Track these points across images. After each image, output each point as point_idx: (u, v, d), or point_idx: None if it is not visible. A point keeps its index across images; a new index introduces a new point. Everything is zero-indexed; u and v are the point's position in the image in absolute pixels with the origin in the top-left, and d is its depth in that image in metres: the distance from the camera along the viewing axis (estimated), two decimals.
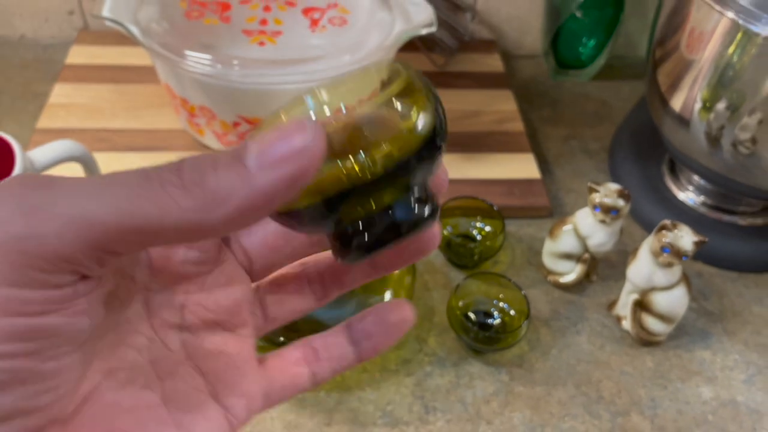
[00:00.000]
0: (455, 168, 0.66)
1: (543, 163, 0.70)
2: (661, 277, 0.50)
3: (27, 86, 0.73)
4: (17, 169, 0.46)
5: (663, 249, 0.49)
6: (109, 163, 0.60)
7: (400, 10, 0.63)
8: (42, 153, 0.48)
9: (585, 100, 0.80)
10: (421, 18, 0.62)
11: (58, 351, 0.17)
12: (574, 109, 0.78)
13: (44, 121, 0.66)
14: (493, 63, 0.81)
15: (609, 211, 0.52)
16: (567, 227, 0.56)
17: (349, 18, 0.61)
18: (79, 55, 0.74)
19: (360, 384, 0.50)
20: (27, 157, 0.47)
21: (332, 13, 0.61)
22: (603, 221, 0.53)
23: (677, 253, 0.49)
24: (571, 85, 0.82)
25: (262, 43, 0.58)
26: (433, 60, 0.79)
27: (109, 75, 0.72)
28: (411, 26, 0.61)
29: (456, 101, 0.74)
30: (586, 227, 0.55)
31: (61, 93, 0.69)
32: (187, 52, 0.55)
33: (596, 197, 0.53)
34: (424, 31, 0.61)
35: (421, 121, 0.20)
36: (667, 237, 0.49)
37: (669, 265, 0.49)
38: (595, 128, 0.76)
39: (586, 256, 0.56)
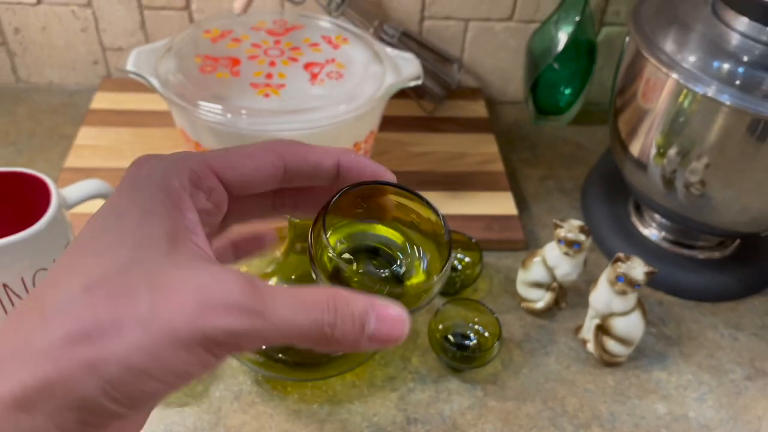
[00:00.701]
0: (441, 205, 0.72)
1: (521, 201, 0.77)
2: (618, 303, 0.57)
3: (55, 129, 0.81)
4: (53, 205, 0.53)
5: (618, 278, 0.55)
6: None
7: (390, 64, 0.70)
8: (74, 191, 0.56)
9: (563, 143, 0.87)
10: (410, 72, 0.70)
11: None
12: (552, 152, 0.86)
13: (71, 161, 0.74)
14: (478, 109, 0.88)
15: (572, 245, 0.59)
16: (537, 258, 0.62)
17: (345, 72, 0.69)
18: (102, 100, 0.82)
19: (349, 398, 0.56)
20: (60, 194, 0.54)
21: (330, 67, 0.69)
22: (567, 254, 0.59)
23: (630, 282, 0.55)
24: (550, 130, 0.89)
25: (267, 95, 0.65)
26: (423, 106, 0.87)
27: (129, 119, 0.80)
28: (400, 79, 0.68)
29: (443, 144, 0.82)
30: (553, 259, 0.61)
31: (86, 135, 0.77)
32: (201, 102, 0.63)
33: (561, 232, 0.59)
34: (412, 84, 0.69)
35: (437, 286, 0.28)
36: (621, 268, 0.55)
37: (623, 293, 0.56)
38: (570, 169, 0.83)
39: (555, 284, 0.63)
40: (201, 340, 0.19)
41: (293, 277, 0.55)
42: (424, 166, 0.78)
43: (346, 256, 0.28)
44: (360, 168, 0.26)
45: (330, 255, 0.25)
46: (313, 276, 0.26)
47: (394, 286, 0.28)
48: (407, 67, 0.70)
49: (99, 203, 0.58)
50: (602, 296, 0.57)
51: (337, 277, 0.25)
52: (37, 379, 0.18)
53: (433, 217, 0.29)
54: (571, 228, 0.59)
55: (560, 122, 0.90)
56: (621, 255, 0.56)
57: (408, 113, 0.85)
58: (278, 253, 0.55)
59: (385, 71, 0.70)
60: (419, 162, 0.79)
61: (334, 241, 0.27)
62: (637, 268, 0.55)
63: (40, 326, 0.19)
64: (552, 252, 0.61)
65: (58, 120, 0.82)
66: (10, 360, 0.19)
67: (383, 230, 0.30)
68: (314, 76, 0.68)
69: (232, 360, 0.58)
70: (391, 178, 0.28)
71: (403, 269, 0.29)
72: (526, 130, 0.89)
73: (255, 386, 0.57)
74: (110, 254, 0.21)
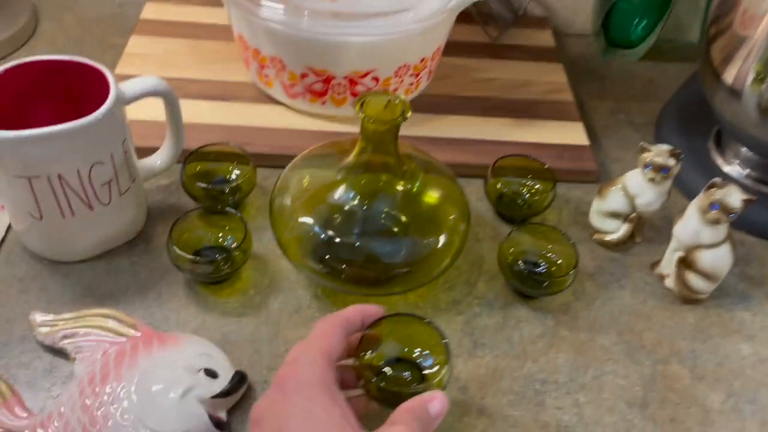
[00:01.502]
0: (506, 132, 0.69)
1: (590, 134, 0.72)
2: (708, 234, 0.53)
3: (104, 38, 0.77)
4: (111, 97, 0.49)
5: (711, 206, 0.51)
6: (182, 108, 0.64)
7: None
8: (131, 86, 0.52)
9: (632, 78, 0.82)
10: None
11: None
12: (622, 86, 0.80)
13: (122, 68, 0.70)
14: (545, 38, 0.83)
15: (660, 170, 0.55)
16: (616, 186, 0.58)
17: None
18: (152, 11, 0.79)
19: None
20: (119, 87, 0.51)
21: None
22: (653, 180, 0.55)
23: (725, 210, 0.51)
24: (619, 64, 0.84)
25: None
26: (488, 32, 0.82)
27: (181, 30, 0.76)
28: None
29: (508, 71, 0.77)
30: (635, 186, 0.57)
31: (137, 44, 0.74)
32: (262, 1, 0.59)
33: (648, 156, 0.55)
34: None
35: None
36: (716, 194, 0.51)
37: (716, 222, 0.52)
38: (642, 104, 0.78)
39: (633, 215, 0.58)
40: None
41: (362, 183, 0.51)
42: (488, 92, 0.74)
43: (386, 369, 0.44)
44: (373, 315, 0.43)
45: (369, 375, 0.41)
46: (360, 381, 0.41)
47: (419, 380, 0.44)
48: None
49: (155, 103, 0.55)
50: (690, 226, 0.53)
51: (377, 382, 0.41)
52: None
53: (426, 328, 0.44)
54: (660, 152, 0.55)
55: (631, 57, 0.84)
56: (717, 180, 0.52)
57: (472, 39, 0.81)
58: (349, 159, 0.51)
59: None
60: (483, 88, 0.74)
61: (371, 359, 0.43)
62: (734, 195, 0.51)
63: None
64: (634, 179, 0.57)
65: (107, 29, 0.79)
66: None
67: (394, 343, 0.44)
68: None
69: (290, 272, 0.55)
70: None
71: (425, 364, 0.44)
72: (594, 64, 0.84)
73: (315, 300, 0.54)
74: None
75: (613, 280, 0.58)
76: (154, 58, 0.72)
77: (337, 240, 0.51)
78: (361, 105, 0.48)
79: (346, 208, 0.52)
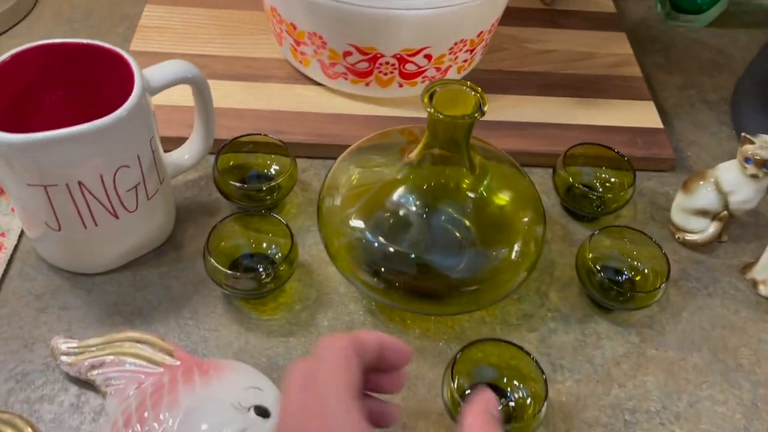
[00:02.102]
0: (568, 113, 0.61)
1: (660, 113, 0.64)
2: None
3: (114, 7, 0.69)
4: (137, 89, 0.42)
5: (746, 160, 0.46)
6: None
7: None
8: (158, 73, 0.45)
9: (700, 47, 0.74)
10: None
11: None
12: (689, 57, 0.73)
13: (137, 44, 0.63)
14: (604, 2, 0.75)
15: (763, 165, 0.48)
16: (707, 181, 0.51)
17: None
18: None
19: (480, 336, 0.47)
20: (144, 75, 0.44)
21: None
22: (754, 176, 0.48)
23: (760, 163, 0.44)
24: (684, 31, 0.76)
25: None
26: None
27: None
28: None
29: (567, 41, 0.69)
30: (731, 182, 0.50)
31: (152, 15, 0.66)
32: None
33: (750, 149, 0.48)
34: None
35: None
36: (749, 149, 0.44)
37: (755, 177, 0.45)
38: (713, 78, 0.70)
39: (724, 213, 0.52)
40: None
41: (425, 187, 0.45)
42: (546, 66, 0.66)
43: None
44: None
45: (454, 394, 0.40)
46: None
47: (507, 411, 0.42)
48: None
49: (184, 91, 0.48)
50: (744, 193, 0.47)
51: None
52: None
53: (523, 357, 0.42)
54: (765, 143, 0.48)
55: (697, 23, 0.76)
56: (746, 134, 0.45)
57: (524, 4, 0.72)
58: (411, 155, 0.45)
59: None
60: (540, 61, 0.66)
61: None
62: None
63: None
64: (729, 173, 0.50)
65: None
66: None
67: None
68: None
69: (339, 282, 0.49)
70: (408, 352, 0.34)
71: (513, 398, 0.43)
72: (656, 31, 0.75)
73: (369, 315, 0.48)
74: None
75: (701, 287, 0.52)
76: (173, 32, 0.64)
77: (395, 250, 0.44)
78: (430, 97, 0.41)
79: (407, 213, 0.45)
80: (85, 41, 0.44)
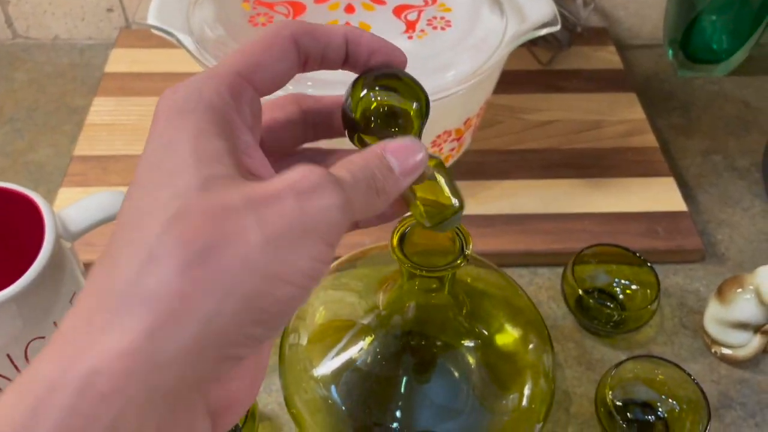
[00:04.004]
0: (576, 199, 0.53)
1: (681, 187, 0.56)
2: None
3: (62, 98, 0.63)
4: (48, 237, 0.35)
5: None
6: None
7: (511, 4, 0.50)
8: (80, 214, 0.38)
9: (723, 101, 0.66)
10: (539, 13, 0.49)
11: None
12: (711, 114, 0.64)
13: (83, 146, 0.56)
14: (608, 57, 0.67)
15: None
16: (745, 290, 0.43)
17: (452, 18, 0.49)
18: (120, 60, 0.64)
19: None
20: (60, 219, 0.37)
21: (431, 11, 0.49)
22: None
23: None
24: (702, 83, 0.68)
25: None
26: (537, 55, 0.66)
27: (156, 85, 0.61)
28: (527, 25, 0.48)
29: (570, 108, 0.61)
30: None
31: (101, 109, 0.59)
32: None
33: None
34: (544, 31, 0.48)
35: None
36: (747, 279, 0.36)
37: None
38: (740, 138, 0.62)
39: None
40: (315, 227, 0.19)
41: (401, 342, 0.37)
42: (547, 142, 0.58)
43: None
44: (369, 45, 0.23)
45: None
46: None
47: None
48: (534, 7, 0.49)
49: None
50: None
51: None
52: (163, 313, 0.16)
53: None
54: None
55: (715, 73, 0.68)
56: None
57: (518, 66, 0.65)
58: (385, 298, 0.37)
59: (506, 15, 0.49)
60: (540, 135, 0.59)
61: None
62: None
63: (145, 264, 0.17)
64: None
65: (66, 86, 0.64)
66: (124, 303, 0.17)
67: None
68: (410, 26, 0.48)
69: None
70: (401, 55, 0.24)
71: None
72: (671, 85, 0.67)
73: None
74: (178, 180, 0.18)
75: (746, 416, 0.43)
76: (124, 129, 0.57)
77: (370, 422, 0.36)
78: (400, 240, 0.33)
79: (382, 373, 0.37)
80: None
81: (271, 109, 0.24)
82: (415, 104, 0.24)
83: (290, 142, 0.25)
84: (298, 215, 0.18)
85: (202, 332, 0.17)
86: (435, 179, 0.24)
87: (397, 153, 0.22)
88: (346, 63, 0.23)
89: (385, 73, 0.23)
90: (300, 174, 0.19)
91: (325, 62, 0.23)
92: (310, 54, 0.23)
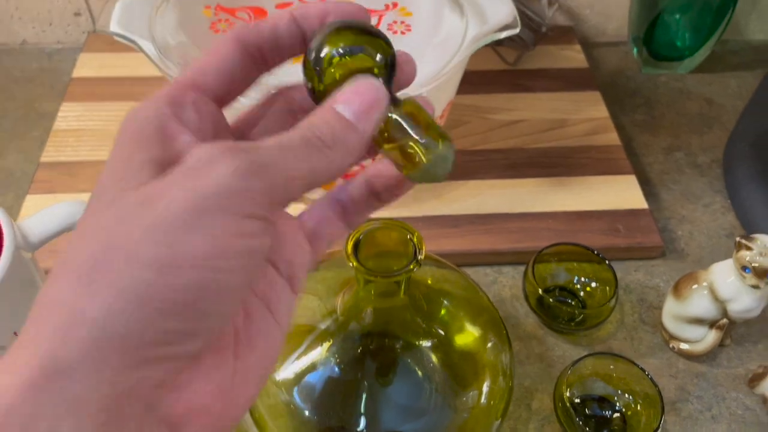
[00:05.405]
0: (540, 198, 0.54)
1: (644, 184, 0.57)
2: None
3: (30, 104, 0.63)
4: (7, 248, 0.35)
5: (744, 269, 0.38)
6: None
7: (471, 6, 0.50)
8: (40, 224, 0.38)
9: (685, 98, 0.67)
10: (499, 15, 0.49)
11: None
12: (674, 111, 0.65)
13: (51, 153, 0.56)
14: (573, 56, 0.68)
15: (764, 275, 0.40)
16: (700, 286, 0.44)
17: (412, 22, 0.49)
18: (89, 64, 0.64)
19: None
20: (20, 230, 0.37)
21: (392, 15, 0.49)
22: (755, 287, 0.41)
23: (761, 272, 0.37)
24: (666, 80, 0.69)
25: None
26: (502, 55, 0.66)
27: (125, 90, 0.61)
28: (488, 27, 0.48)
29: (535, 107, 0.62)
30: (728, 289, 0.43)
31: (69, 114, 0.59)
32: None
33: (746, 256, 0.41)
34: (504, 34, 0.49)
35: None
36: (747, 256, 0.37)
37: (756, 287, 0.38)
38: (702, 135, 0.63)
39: (723, 321, 0.45)
40: (210, 203, 0.18)
41: (359, 345, 0.38)
42: (513, 141, 0.59)
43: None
44: (319, 13, 0.22)
45: None
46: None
47: None
48: (494, 9, 0.50)
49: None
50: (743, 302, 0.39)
51: None
52: (58, 328, 0.17)
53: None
54: (764, 249, 0.41)
55: (679, 70, 0.69)
56: (741, 239, 0.38)
57: (484, 66, 0.65)
58: (342, 302, 0.37)
59: (466, 17, 0.50)
60: (506, 135, 0.59)
61: None
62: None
63: (47, 289, 0.18)
64: (725, 279, 0.43)
65: (34, 91, 0.64)
66: (25, 337, 0.17)
67: None
68: None
69: None
70: (359, 10, 0.22)
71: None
72: (635, 82, 0.68)
73: None
74: (96, 204, 0.19)
75: (702, 408, 0.45)
76: (92, 134, 0.57)
77: (331, 426, 0.37)
78: (355, 248, 0.34)
79: (342, 377, 0.38)
80: None
81: (207, 55, 0.22)
82: (378, 56, 0.21)
83: (243, 82, 0.23)
84: (189, 197, 0.18)
85: (97, 336, 0.16)
86: (409, 120, 0.21)
87: (348, 99, 0.20)
88: (308, 41, 0.22)
89: (337, 27, 0.21)
90: (193, 155, 0.18)
91: (282, 49, 0.22)
92: (262, 47, 0.22)
